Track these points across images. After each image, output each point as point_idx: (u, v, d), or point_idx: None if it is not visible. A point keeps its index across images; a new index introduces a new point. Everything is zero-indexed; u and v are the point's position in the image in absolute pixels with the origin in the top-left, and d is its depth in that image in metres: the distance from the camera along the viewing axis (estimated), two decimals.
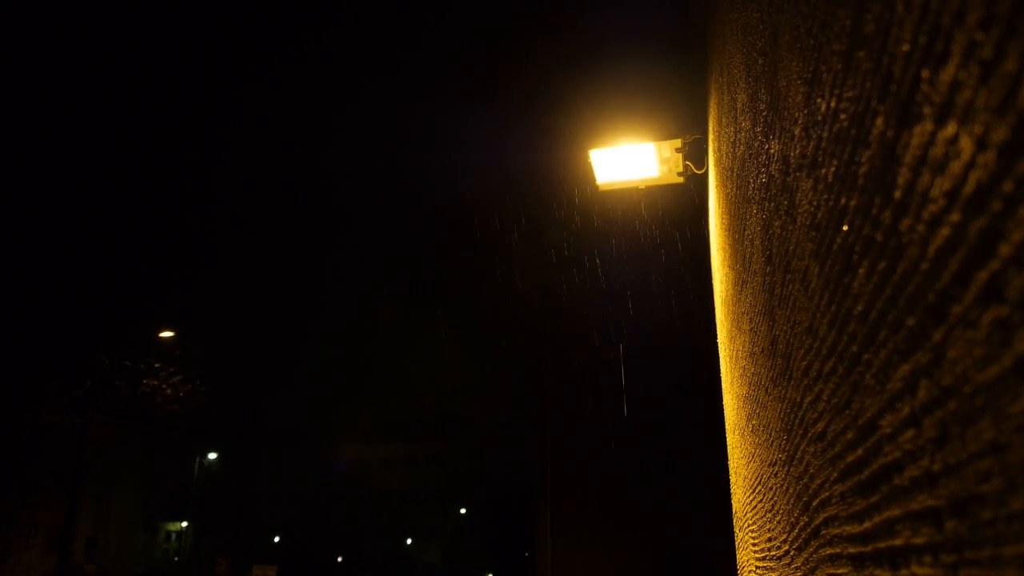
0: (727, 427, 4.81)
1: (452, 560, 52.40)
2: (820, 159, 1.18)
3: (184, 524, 47.93)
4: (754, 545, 3.11)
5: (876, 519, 0.98)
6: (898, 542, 0.88)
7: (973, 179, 0.61)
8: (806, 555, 1.66)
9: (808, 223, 1.31)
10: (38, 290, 18.42)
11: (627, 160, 5.63)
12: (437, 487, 54.29)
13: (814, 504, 1.48)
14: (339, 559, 53.24)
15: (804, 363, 1.45)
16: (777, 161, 1.67)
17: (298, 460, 56.45)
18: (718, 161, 4.30)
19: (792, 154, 1.45)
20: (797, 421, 1.61)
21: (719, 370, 5.53)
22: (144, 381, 20.28)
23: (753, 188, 2.25)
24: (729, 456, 4.76)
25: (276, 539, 53.92)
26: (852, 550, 1.14)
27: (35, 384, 18.56)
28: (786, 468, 1.87)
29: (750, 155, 2.31)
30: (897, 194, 0.79)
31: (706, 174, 5.68)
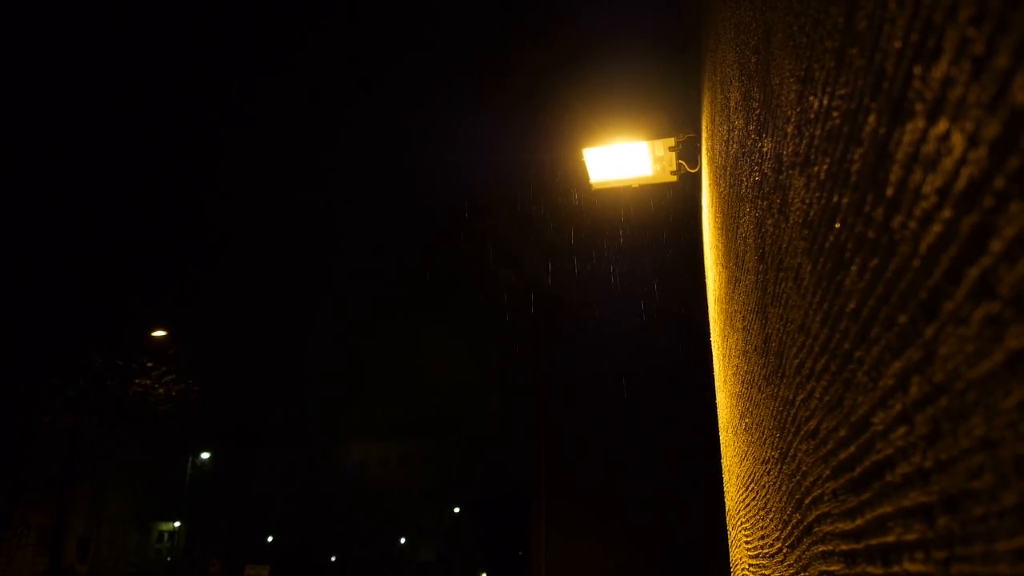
0: (720, 425, 4.81)
1: (446, 559, 52.36)
2: (813, 157, 1.18)
3: (177, 524, 47.78)
4: (747, 543, 3.12)
5: (868, 516, 0.98)
6: (890, 539, 0.88)
7: (965, 176, 0.61)
8: (799, 552, 1.66)
9: (801, 221, 1.31)
10: (31, 290, 18.33)
11: (620, 159, 5.62)
12: (431, 486, 54.22)
13: (807, 501, 1.48)
14: (333, 559, 53.15)
15: (796, 361, 1.45)
16: (770, 159, 1.67)
17: (292, 459, 56.32)
18: (711, 159, 4.30)
19: (785, 152, 1.45)
20: (790, 419, 1.61)
21: (713, 368, 5.53)
22: (136, 381, 20.21)
23: (746, 186, 2.25)
24: (722, 454, 4.77)
25: (269, 539, 53.78)
26: (844, 547, 1.15)
27: (28, 384, 18.47)
28: (779, 466, 1.87)
29: (743, 153, 2.31)
30: (889, 191, 0.79)
31: (699, 173, 5.69)
